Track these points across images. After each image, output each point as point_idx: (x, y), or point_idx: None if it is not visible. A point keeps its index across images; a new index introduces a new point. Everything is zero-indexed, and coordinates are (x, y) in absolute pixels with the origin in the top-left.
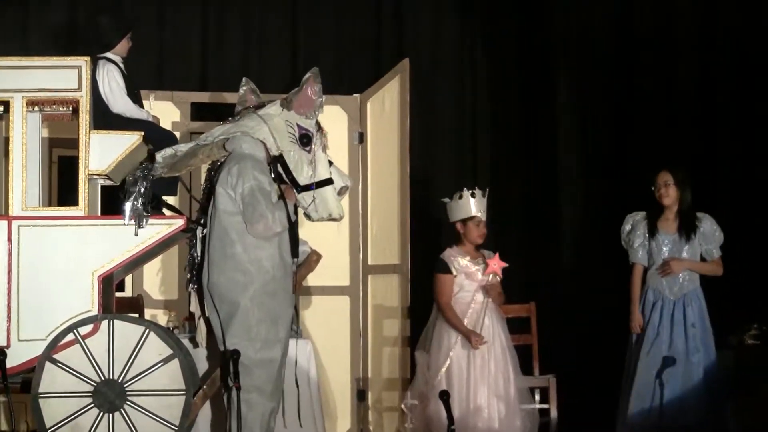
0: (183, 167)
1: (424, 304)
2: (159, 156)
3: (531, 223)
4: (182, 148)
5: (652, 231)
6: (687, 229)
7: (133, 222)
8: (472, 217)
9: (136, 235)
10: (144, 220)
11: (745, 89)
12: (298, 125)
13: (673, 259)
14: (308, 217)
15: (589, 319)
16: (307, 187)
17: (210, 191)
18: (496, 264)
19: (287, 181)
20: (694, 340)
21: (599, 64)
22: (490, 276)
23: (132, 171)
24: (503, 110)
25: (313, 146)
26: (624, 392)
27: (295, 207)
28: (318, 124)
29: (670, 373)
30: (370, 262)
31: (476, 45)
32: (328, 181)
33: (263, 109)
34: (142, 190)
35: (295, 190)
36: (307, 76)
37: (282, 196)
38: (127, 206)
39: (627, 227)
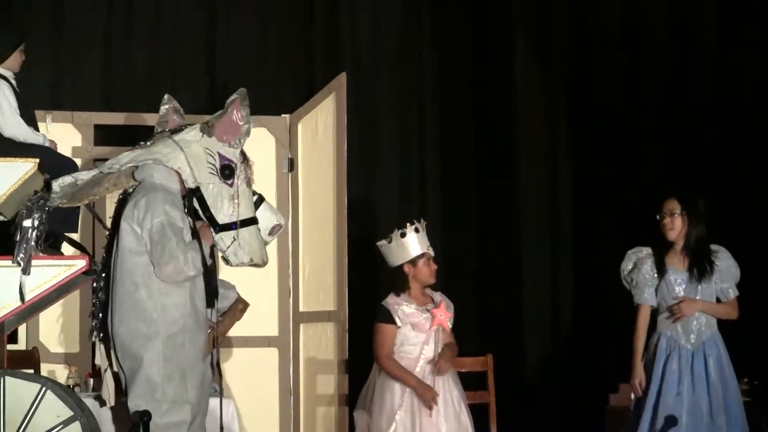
0: (85, 197)
1: (363, 358)
2: (56, 185)
3: (486, 258)
4: (83, 176)
5: (661, 269)
6: (699, 266)
7: (21, 261)
8: (422, 255)
9: (24, 274)
10: (29, 264)
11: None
12: (219, 154)
13: (684, 299)
14: (227, 261)
15: (557, 374)
16: (227, 227)
17: (116, 225)
18: (442, 314)
19: (203, 218)
20: (717, 397)
21: (565, 69)
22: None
23: (25, 202)
24: (455, 130)
25: (236, 179)
26: None
27: (212, 249)
28: (243, 154)
29: None
30: (301, 309)
31: (424, 54)
32: (252, 221)
33: (180, 134)
34: (36, 224)
35: (212, 230)
36: (233, 97)
37: (197, 235)
38: (19, 243)
39: (629, 265)
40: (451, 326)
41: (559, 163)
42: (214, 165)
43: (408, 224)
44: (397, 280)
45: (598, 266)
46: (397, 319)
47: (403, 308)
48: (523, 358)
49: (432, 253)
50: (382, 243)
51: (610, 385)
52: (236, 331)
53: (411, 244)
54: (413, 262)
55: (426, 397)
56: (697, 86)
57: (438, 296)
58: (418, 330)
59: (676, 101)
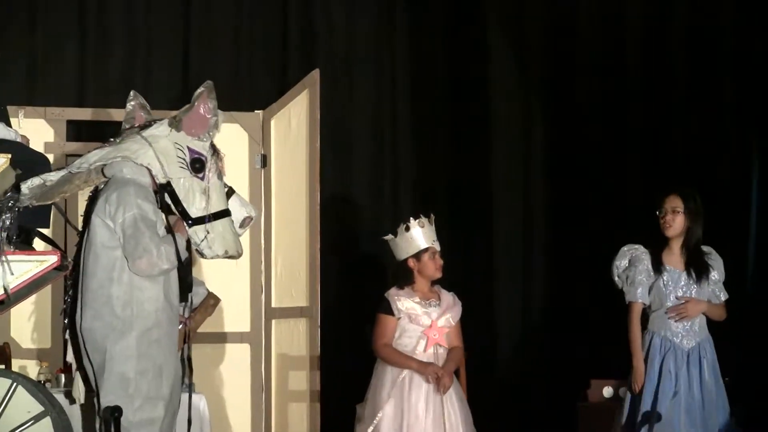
0: (56, 195)
1: (335, 354)
2: (25, 187)
3: (459, 256)
4: (52, 177)
5: (657, 267)
6: (697, 267)
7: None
8: (426, 249)
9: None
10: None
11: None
12: (189, 148)
13: (690, 300)
14: (201, 254)
15: (530, 371)
16: (200, 220)
17: (87, 222)
18: (436, 334)
19: (176, 212)
20: (710, 398)
21: (541, 64)
22: (434, 347)
23: None
24: (429, 126)
25: (207, 172)
26: None
27: (188, 243)
28: (213, 146)
29: None
30: (273, 305)
31: (398, 51)
32: (225, 213)
33: (148, 129)
34: (7, 223)
35: (185, 224)
36: (199, 90)
37: (170, 229)
38: None
39: (623, 262)
40: (455, 322)
41: (535, 163)
42: (184, 159)
43: (412, 218)
44: (403, 273)
45: (571, 263)
46: (395, 310)
47: (402, 300)
48: (495, 356)
49: (438, 248)
50: (389, 237)
51: (584, 382)
52: (208, 326)
53: (415, 238)
54: (417, 256)
55: (428, 373)
56: (675, 78)
57: (448, 296)
58: (415, 323)
59: (654, 94)
